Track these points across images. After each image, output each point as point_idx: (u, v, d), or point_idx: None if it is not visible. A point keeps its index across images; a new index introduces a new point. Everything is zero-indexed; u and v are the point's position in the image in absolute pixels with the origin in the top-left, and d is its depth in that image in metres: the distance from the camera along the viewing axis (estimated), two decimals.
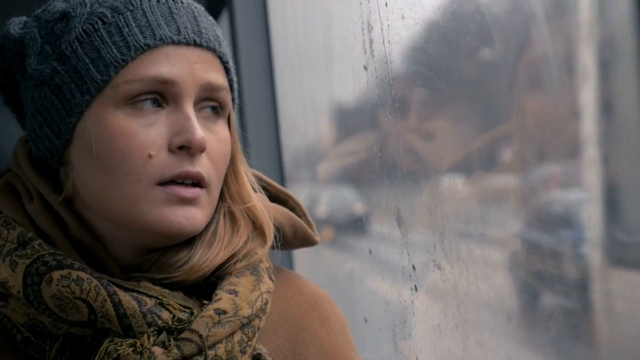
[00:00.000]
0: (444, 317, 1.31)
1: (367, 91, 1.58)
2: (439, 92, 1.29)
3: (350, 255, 2.03)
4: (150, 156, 1.13)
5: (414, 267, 1.40)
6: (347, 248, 2.13)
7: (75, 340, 1.15)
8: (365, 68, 1.54)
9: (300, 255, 2.25)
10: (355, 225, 1.99)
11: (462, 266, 1.24)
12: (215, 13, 2.77)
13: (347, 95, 1.89)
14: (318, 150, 2.28)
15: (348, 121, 1.99)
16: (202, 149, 1.14)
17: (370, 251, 1.73)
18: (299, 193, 2.21)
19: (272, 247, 1.27)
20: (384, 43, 1.40)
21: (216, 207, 1.22)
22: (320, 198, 2.30)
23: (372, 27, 1.45)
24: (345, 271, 2.05)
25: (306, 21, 2.11)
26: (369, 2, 1.44)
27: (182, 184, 1.15)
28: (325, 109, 2.15)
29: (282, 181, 2.20)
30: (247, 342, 1.16)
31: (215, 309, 1.15)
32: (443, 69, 1.26)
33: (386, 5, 1.37)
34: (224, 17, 2.62)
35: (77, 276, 1.12)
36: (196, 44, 1.16)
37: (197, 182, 1.15)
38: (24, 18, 1.23)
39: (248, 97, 2.25)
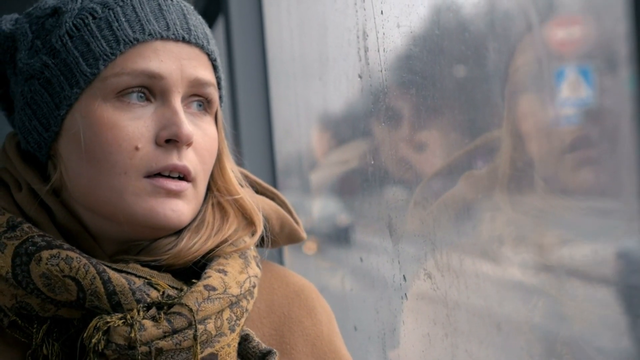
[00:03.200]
0: (434, 326, 1.31)
1: (361, 99, 1.58)
2: (432, 101, 1.29)
3: (341, 264, 2.03)
4: (137, 149, 1.14)
5: (404, 278, 1.40)
6: (336, 257, 2.13)
7: (62, 324, 1.15)
8: (360, 76, 1.54)
9: (291, 264, 2.24)
10: (340, 235, 1.99)
11: (453, 275, 1.23)
12: (211, 18, 2.77)
13: (341, 103, 1.89)
14: (309, 157, 2.27)
15: (341, 129, 1.98)
16: (188, 143, 1.16)
17: (361, 259, 1.73)
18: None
19: (262, 241, 1.28)
20: (379, 51, 1.40)
21: (204, 199, 1.23)
22: (306, 207, 2.30)
23: (367, 35, 1.45)
24: (335, 279, 2.04)
25: (301, 28, 2.11)
26: (364, 9, 1.44)
27: (169, 177, 1.16)
28: (319, 117, 2.15)
29: (275, 187, 2.20)
30: (235, 321, 1.17)
31: (205, 285, 1.16)
32: (438, 78, 1.26)
33: (382, 13, 1.37)
34: (220, 22, 2.62)
35: (67, 255, 1.13)
36: (185, 40, 1.18)
37: (184, 175, 1.17)
38: (15, 15, 1.25)
39: (242, 102, 2.25)
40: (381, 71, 1.41)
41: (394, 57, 1.38)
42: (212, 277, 1.17)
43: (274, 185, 2.21)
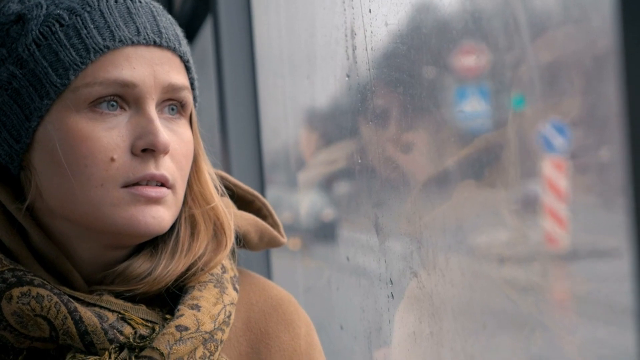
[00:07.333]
0: (420, 325, 1.31)
1: (349, 98, 1.58)
2: (420, 100, 1.30)
3: (326, 260, 2.03)
4: (112, 160, 1.12)
5: (391, 281, 1.40)
6: (322, 253, 2.13)
7: (38, 354, 1.14)
8: (348, 75, 1.54)
9: (278, 260, 2.24)
10: (326, 230, 1.99)
11: (439, 274, 1.24)
12: (199, 18, 2.77)
13: (329, 102, 1.89)
14: (296, 153, 2.28)
15: (329, 128, 1.99)
16: (166, 152, 1.14)
17: (347, 258, 1.73)
18: (270, 196, 2.21)
19: (233, 250, 1.26)
20: (366, 50, 1.40)
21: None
22: (288, 203, 2.30)
23: (355, 34, 1.45)
24: (321, 278, 2.04)
25: (290, 27, 2.11)
26: (352, 8, 1.44)
27: (147, 185, 1.14)
28: (307, 116, 2.15)
29: (262, 186, 2.20)
30: (209, 357, 1.16)
31: (176, 326, 1.14)
32: (425, 76, 1.27)
33: (370, 11, 1.37)
34: (208, 22, 2.62)
35: (37, 293, 1.11)
36: (156, 44, 1.15)
37: (162, 183, 1.15)
38: None
39: (231, 101, 2.25)
40: (369, 70, 1.41)
41: (381, 56, 1.38)
42: (185, 315, 1.15)
43: (261, 181, 2.21)
